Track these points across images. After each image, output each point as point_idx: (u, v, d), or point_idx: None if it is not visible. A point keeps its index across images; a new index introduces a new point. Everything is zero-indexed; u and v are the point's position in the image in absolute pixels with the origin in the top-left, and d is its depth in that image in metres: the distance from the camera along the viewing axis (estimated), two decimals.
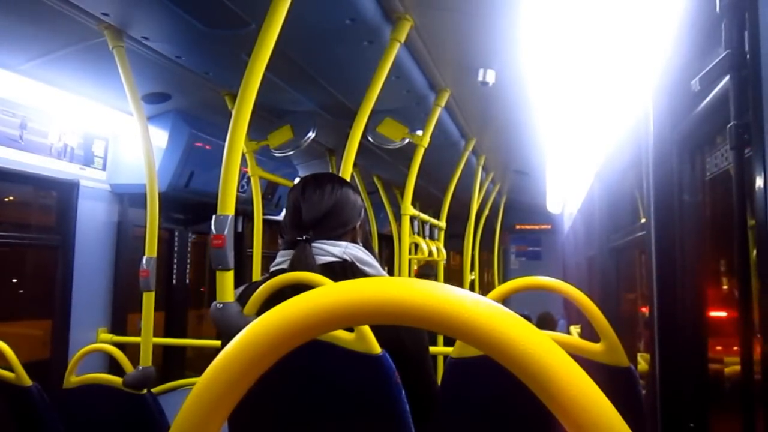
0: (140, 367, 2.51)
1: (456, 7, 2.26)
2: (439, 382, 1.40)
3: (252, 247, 3.58)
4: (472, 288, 6.30)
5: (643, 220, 1.95)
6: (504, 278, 8.91)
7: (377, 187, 5.62)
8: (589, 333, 1.34)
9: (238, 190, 1.76)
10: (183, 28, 2.23)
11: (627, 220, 2.57)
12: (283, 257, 1.38)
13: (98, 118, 3.18)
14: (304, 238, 1.35)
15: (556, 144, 4.32)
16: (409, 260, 4.40)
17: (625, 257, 2.79)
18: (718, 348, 1.49)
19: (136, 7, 2.14)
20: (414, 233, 5.03)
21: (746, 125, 0.96)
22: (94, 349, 2.49)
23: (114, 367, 2.83)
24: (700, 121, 1.31)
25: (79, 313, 3.15)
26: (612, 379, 1.27)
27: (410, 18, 2.29)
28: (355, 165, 2.44)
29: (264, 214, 3.56)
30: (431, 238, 5.39)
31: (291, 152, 3.39)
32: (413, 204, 3.53)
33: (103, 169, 3.31)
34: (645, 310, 2.20)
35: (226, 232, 1.65)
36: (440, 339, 3.73)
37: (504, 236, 8.95)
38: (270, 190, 4.39)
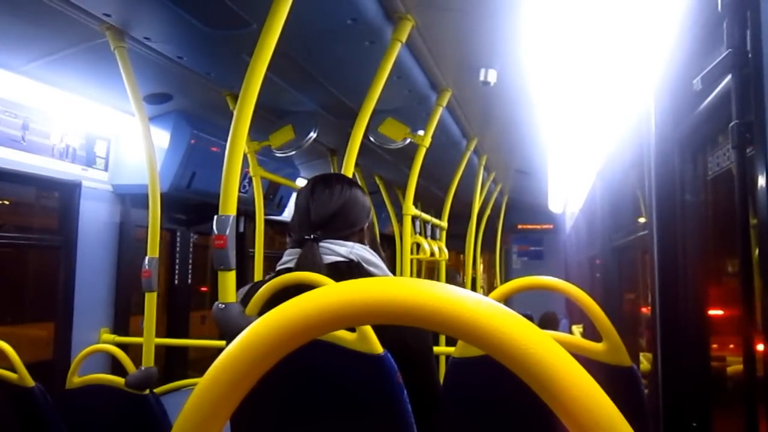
0: (142, 368, 2.52)
1: (457, 6, 2.26)
2: (441, 381, 1.40)
3: (254, 248, 3.59)
4: (473, 286, 6.29)
5: (644, 220, 1.95)
6: (506, 278, 8.90)
7: (379, 187, 5.62)
8: (591, 332, 1.34)
9: (239, 191, 1.76)
10: (184, 29, 2.23)
11: (629, 219, 2.57)
12: (289, 256, 1.39)
13: (100, 119, 3.18)
14: (311, 237, 1.36)
15: (558, 143, 4.32)
16: (411, 260, 4.40)
17: (626, 257, 2.78)
18: (721, 347, 1.49)
19: (137, 8, 2.15)
20: (416, 233, 5.02)
21: (748, 124, 0.95)
22: (96, 349, 2.49)
23: (116, 367, 2.84)
24: (701, 120, 1.31)
25: (81, 314, 3.16)
26: (614, 379, 1.27)
27: (411, 18, 2.29)
28: (356, 165, 2.44)
29: (265, 214, 3.56)
30: (433, 238, 5.39)
31: (292, 152, 3.40)
32: (415, 204, 3.53)
33: (105, 169, 3.32)
34: (647, 309, 2.20)
35: (227, 232, 1.65)
36: (442, 339, 3.73)
37: (506, 236, 8.95)
38: (271, 190, 4.39)
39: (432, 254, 4.85)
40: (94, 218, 3.27)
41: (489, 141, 4.54)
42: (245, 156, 3.21)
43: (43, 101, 2.83)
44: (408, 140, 3.26)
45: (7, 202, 3.21)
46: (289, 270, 1.34)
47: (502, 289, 1.39)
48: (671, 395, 1.53)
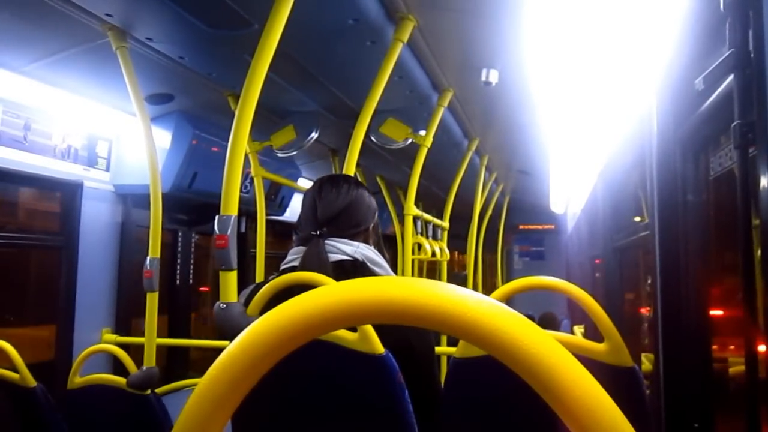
0: (144, 368, 2.52)
1: (459, 7, 2.26)
2: (442, 382, 1.40)
3: (255, 248, 3.59)
4: (475, 286, 6.29)
5: (646, 220, 1.95)
6: (507, 278, 8.90)
7: (380, 187, 5.62)
8: (593, 333, 1.34)
9: (241, 191, 1.76)
10: (186, 29, 2.23)
11: (630, 220, 2.57)
12: (294, 254, 1.39)
13: (102, 119, 3.19)
14: (318, 233, 1.37)
15: (560, 144, 4.32)
16: (412, 260, 4.40)
17: (628, 257, 2.78)
18: (723, 348, 1.49)
19: (139, 8, 2.15)
20: (417, 233, 5.02)
21: (750, 124, 0.95)
22: (98, 349, 2.50)
23: (118, 367, 2.84)
24: (703, 120, 1.31)
25: (82, 314, 3.16)
26: (616, 379, 1.27)
27: (413, 18, 2.29)
28: (358, 165, 2.44)
29: (267, 214, 3.56)
30: (434, 238, 5.39)
31: (294, 152, 3.40)
32: (416, 204, 3.53)
33: (107, 170, 3.32)
34: (648, 309, 2.19)
35: (229, 232, 1.65)
36: (444, 339, 3.73)
37: (507, 236, 8.94)
38: (273, 190, 4.40)
39: (433, 254, 4.84)
40: (96, 218, 3.27)
41: (490, 141, 4.54)
42: (246, 156, 3.21)
43: (45, 101, 2.83)
44: (409, 140, 3.26)
45: (9, 202, 3.21)
46: (293, 269, 1.34)
47: (504, 289, 1.39)
48: (673, 396, 1.53)
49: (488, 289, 8.13)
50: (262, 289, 1.30)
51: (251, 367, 0.40)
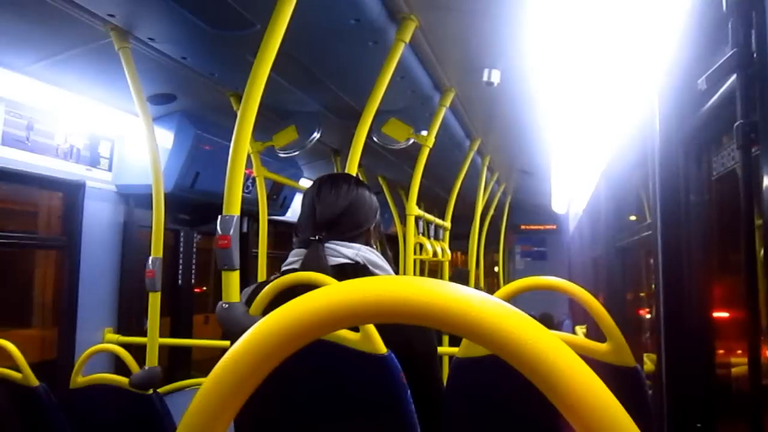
0: (146, 368, 2.52)
1: (461, 7, 2.26)
2: (444, 382, 1.40)
3: (257, 248, 3.59)
4: (477, 286, 6.29)
5: (649, 220, 1.95)
6: (509, 278, 8.90)
7: (382, 187, 5.62)
8: (595, 333, 1.33)
9: (243, 191, 1.76)
10: (188, 29, 2.24)
11: (633, 220, 2.57)
12: (295, 257, 1.38)
13: (104, 119, 3.19)
14: (317, 238, 1.35)
15: (562, 144, 4.31)
16: (414, 260, 4.40)
17: (630, 257, 2.78)
18: (725, 348, 1.49)
19: (141, 9, 2.15)
20: (419, 233, 5.02)
21: (753, 124, 0.95)
22: (100, 349, 2.50)
23: (120, 367, 2.84)
24: (706, 120, 1.30)
25: (85, 314, 3.16)
26: (618, 379, 1.27)
27: (415, 18, 2.29)
28: (360, 165, 2.44)
29: (269, 214, 3.57)
30: (436, 238, 5.39)
31: (296, 153, 3.40)
32: (418, 204, 3.53)
33: (109, 170, 3.32)
34: (651, 309, 2.19)
35: (231, 232, 1.66)
36: (446, 339, 3.73)
37: (509, 236, 8.94)
38: (275, 190, 4.40)
39: (435, 255, 4.84)
40: (98, 218, 3.27)
41: (492, 141, 4.54)
42: (249, 156, 3.21)
43: (48, 101, 2.84)
44: (411, 140, 3.26)
45: (12, 202, 3.22)
46: (294, 271, 1.33)
47: (506, 289, 1.39)
48: (675, 396, 1.53)
49: (490, 289, 8.12)
50: (264, 289, 1.30)
51: (255, 368, 0.40)
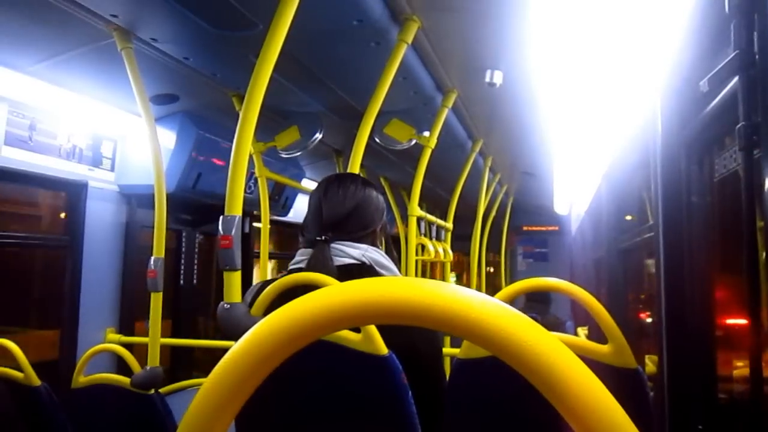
0: (148, 368, 2.52)
1: (463, 8, 2.26)
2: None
3: (258, 248, 3.59)
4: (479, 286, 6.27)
5: (651, 222, 1.95)
6: (511, 279, 8.90)
7: (384, 188, 5.62)
8: (597, 334, 1.33)
9: (245, 191, 1.76)
10: (191, 30, 2.24)
11: (635, 221, 2.56)
12: (301, 256, 1.38)
13: (107, 120, 3.20)
14: (323, 238, 1.34)
15: (564, 145, 4.31)
16: (416, 261, 4.40)
17: (632, 259, 2.78)
18: (727, 350, 1.48)
19: (144, 9, 2.15)
20: (420, 234, 5.02)
21: (755, 126, 0.95)
22: (102, 349, 2.50)
23: (122, 367, 2.85)
24: (708, 122, 1.30)
25: (87, 314, 3.17)
26: (619, 381, 1.27)
27: (417, 19, 2.29)
28: (362, 166, 2.44)
29: (271, 215, 3.57)
30: (438, 239, 5.39)
31: (298, 153, 3.40)
32: (420, 205, 3.53)
33: (112, 170, 3.33)
34: (652, 311, 2.19)
35: (233, 232, 1.66)
36: (447, 340, 3.73)
37: (511, 237, 8.93)
38: (277, 191, 4.40)
39: (437, 256, 4.84)
40: (101, 218, 3.28)
41: (494, 142, 4.53)
42: (251, 156, 3.22)
43: (50, 102, 2.84)
44: (413, 141, 3.26)
45: (14, 202, 3.22)
46: (300, 270, 1.33)
47: (508, 290, 1.39)
48: (677, 397, 1.53)
49: (492, 290, 8.12)
50: (265, 290, 1.30)
51: (255, 368, 0.40)
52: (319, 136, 3.32)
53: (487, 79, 2.76)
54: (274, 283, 1.29)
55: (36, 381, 2.13)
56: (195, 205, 3.87)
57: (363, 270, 1.33)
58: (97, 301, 3.25)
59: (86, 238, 3.17)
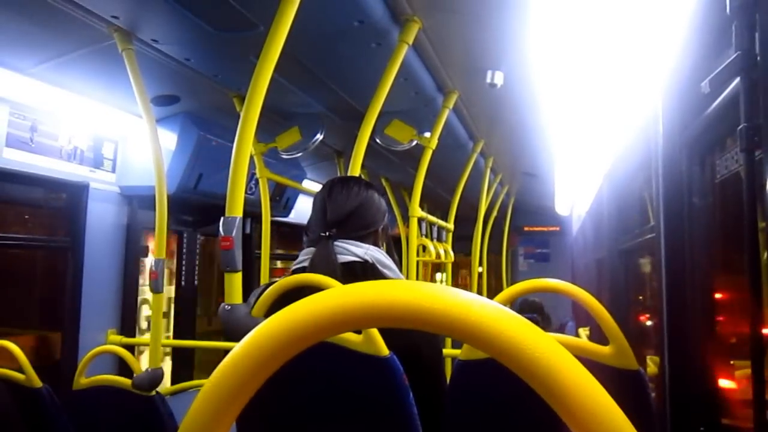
0: (149, 369, 2.52)
1: (464, 9, 2.26)
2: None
3: (260, 249, 3.59)
4: (480, 287, 6.26)
5: (652, 222, 1.94)
6: (512, 280, 8.89)
7: (385, 188, 5.62)
8: (598, 335, 1.33)
9: (246, 192, 1.76)
10: (192, 31, 2.24)
11: (636, 222, 2.56)
12: (305, 255, 1.39)
13: (108, 121, 3.20)
14: (327, 234, 1.36)
15: (565, 146, 4.31)
16: (417, 262, 4.40)
17: (634, 259, 2.77)
18: (728, 351, 1.48)
19: (145, 10, 2.16)
20: (422, 235, 5.02)
21: (757, 127, 0.95)
22: (103, 350, 2.50)
23: (123, 368, 2.85)
24: (709, 123, 1.30)
25: (88, 315, 3.17)
26: (621, 382, 1.27)
27: (418, 20, 2.29)
28: (363, 167, 2.44)
29: (272, 215, 3.57)
30: (439, 240, 5.38)
31: (299, 154, 3.40)
32: (421, 206, 3.53)
33: (113, 171, 3.33)
34: (654, 312, 2.19)
35: (234, 233, 1.66)
36: (448, 341, 3.73)
37: (512, 238, 8.93)
38: (278, 191, 4.40)
39: (438, 256, 4.84)
40: (102, 219, 3.28)
41: (495, 143, 4.53)
42: (252, 157, 3.22)
43: (52, 103, 2.85)
44: (414, 142, 3.26)
45: (16, 203, 3.22)
46: (303, 269, 1.34)
47: (509, 291, 1.39)
48: (678, 399, 1.52)
49: (493, 291, 8.12)
50: (268, 290, 1.30)
51: (257, 370, 0.40)
52: (320, 136, 3.33)
53: (488, 80, 2.76)
54: (276, 284, 1.29)
55: (37, 382, 2.13)
56: (196, 206, 3.87)
57: (366, 268, 1.34)
58: (98, 302, 3.25)
59: (87, 240, 3.17)
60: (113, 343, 3.21)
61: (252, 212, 3.82)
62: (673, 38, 1.55)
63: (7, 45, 2.37)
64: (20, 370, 2.13)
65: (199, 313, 4.50)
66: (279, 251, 5.27)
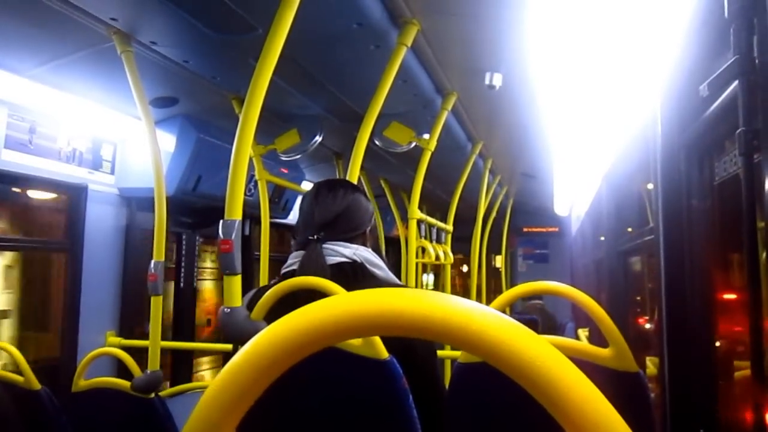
0: (148, 371, 2.52)
1: (462, 11, 2.26)
2: (446, 386, 1.40)
3: (259, 251, 3.59)
4: (479, 291, 6.26)
5: (651, 224, 1.95)
6: (511, 281, 8.89)
7: (384, 190, 5.62)
8: (598, 337, 1.33)
9: (245, 194, 1.76)
10: (191, 33, 2.24)
11: (635, 223, 2.56)
12: (294, 258, 1.41)
13: (107, 123, 3.20)
14: (315, 237, 1.38)
15: (564, 147, 4.31)
16: (416, 264, 4.40)
17: (633, 261, 2.78)
18: (728, 352, 1.48)
19: (144, 12, 2.16)
20: (421, 237, 5.02)
21: (755, 131, 0.95)
22: (102, 352, 2.50)
23: (122, 371, 2.84)
24: (708, 126, 1.30)
25: (87, 317, 3.16)
26: (621, 384, 1.27)
27: (417, 22, 2.29)
28: (362, 168, 2.44)
29: (271, 217, 3.57)
30: (438, 241, 5.38)
31: (298, 156, 3.40)
32: (420, 207, 3.53)
33: (112, 173, 3.33)
34: (653, 314, 2.19)
35: (233, 236, 1.65)
36: None
37: (511, 239, 8.93)
38: (277, 193, 4.40)
39: (437, 258, 4.84)
40: (101, 221, 3.28)
41: (494, 144, 4.53)
42: (251, 159, 3.21)
43: (50, 105, 2.84)
44: (413, 144, 3.26)
45: (15, 205, 3.22)
46: (293, 273, 1.35)
47: (508, 294, 1.39)
48: (678, 401, 1.52)
49: (492, 291, 8.12)
50: (265, 294, 1.30)
51: (259, 376, 0.40)
52: (319, 138, 3.33)
53: (487, 82, 2.77)
54: (274, 287, 1.29)
55: (36, 385, 2.13)
56: (195, 208, 3.87)
57: (356, 267, 1.37)
58: (97, 304, 3.25)
59: (86, 241, 3.16)
60: (112, 345, 3.21)
61: (251, 214, 3.83)
62: (672, 41, 1.56)
63: (6, 47, 2.37)
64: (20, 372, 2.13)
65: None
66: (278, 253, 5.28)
